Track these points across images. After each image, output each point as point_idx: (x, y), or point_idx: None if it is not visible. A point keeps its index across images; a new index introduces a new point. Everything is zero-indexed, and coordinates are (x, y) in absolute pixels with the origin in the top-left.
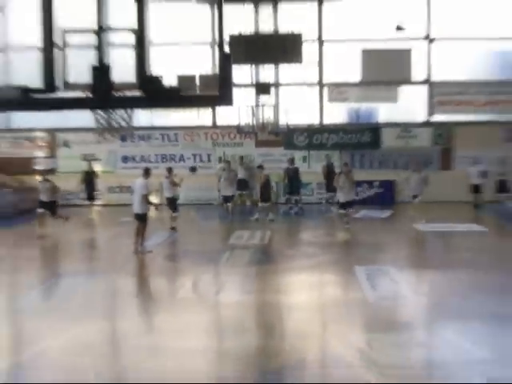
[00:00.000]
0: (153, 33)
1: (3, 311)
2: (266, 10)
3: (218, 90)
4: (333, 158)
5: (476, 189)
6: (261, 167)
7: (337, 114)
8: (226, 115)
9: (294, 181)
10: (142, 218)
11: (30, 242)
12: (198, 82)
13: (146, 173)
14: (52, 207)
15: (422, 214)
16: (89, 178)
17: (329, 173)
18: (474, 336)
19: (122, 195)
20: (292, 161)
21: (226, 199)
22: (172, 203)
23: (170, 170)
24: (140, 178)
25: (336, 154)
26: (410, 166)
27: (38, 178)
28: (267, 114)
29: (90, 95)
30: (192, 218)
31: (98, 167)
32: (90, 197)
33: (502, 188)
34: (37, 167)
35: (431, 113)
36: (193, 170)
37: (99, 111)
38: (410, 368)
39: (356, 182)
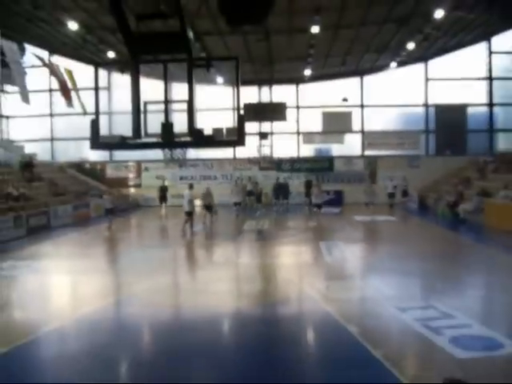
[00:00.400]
0: (198, 103)
1: (104, 270)
2: (265, 89)
3: (236, 137)
4: (308, 177)
5: (391, 195)
6: (257, 183)
7: (307, 150)
8: (242, 151)
9: (279, 191)
10: (189, 214)
11: (125, 227)
12: (224, 131)
13: (191, 187)
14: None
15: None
16: (161, 190)
17: (307, 186)
18: (388, 282)
19: (179, 200)
20: (278, 179)
21: (235, 204)
22: (208, 208)
23: (190, 185)
24: (187, 190)
25: (308, 174)
26: (352, 182)
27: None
28: (266, 151)
29: (161, 140)
30: (221, 213)
31: (166, 183)
32: (163, 201)
33: (404, 194)
34: (130, 183)
35: (364, 150)
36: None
37: (166, 149)
38: (350, 301)
39: (323, 191)
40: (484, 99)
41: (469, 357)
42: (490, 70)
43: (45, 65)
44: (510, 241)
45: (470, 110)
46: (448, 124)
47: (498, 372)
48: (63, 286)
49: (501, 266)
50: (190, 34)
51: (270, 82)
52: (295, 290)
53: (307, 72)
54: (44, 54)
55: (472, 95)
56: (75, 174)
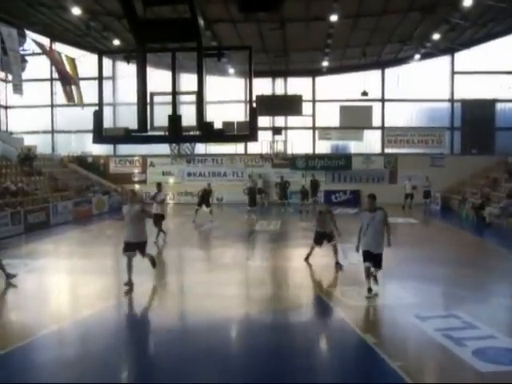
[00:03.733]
0: (208, 94)
1: (106, 270)
2: (279, 81)
3: (248, 131)
4: (319, 176)
5: (408, 196)
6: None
7: (324, 147)
8: (254, 147)
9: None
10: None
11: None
12: (235, 125)
13: (159, 186)
14: None
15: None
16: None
17: (313, 185)
18: (408, 289)
19: (186, 197)
20: (282, 178)
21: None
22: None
23: (159, 185)
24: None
25: (323, 173)
26: (370, 181)
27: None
28: (279, 147)
29: (168, 134)
30: (231, 212)
31: (171, 180)
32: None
33: (426, 195)
34: (134, 179)
35: (383, 147)
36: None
37: (173, 144)
38: (366, 308)
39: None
40: None
41: (493, 370)
42: None
43: (45, 52)
44: None
45: (499, 105)
46: (475, 121)
47: None
48: (62, 287)
49: None
50: (201, 22)
51: (285, 73)
52: (308, 296)
53: (325, 63)
54: (45, 41)
55: (502, 90)
56: (77, 168)
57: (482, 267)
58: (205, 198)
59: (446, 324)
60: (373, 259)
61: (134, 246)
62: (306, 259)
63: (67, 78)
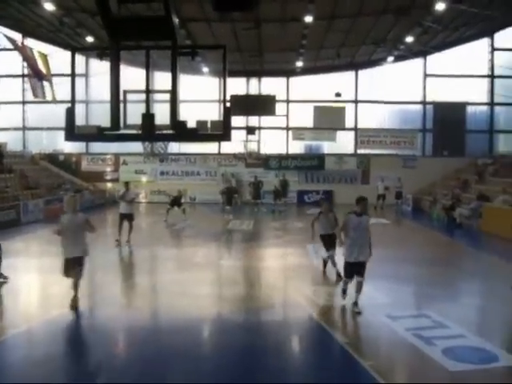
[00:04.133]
0: (182, 93)
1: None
2: (253, 81)
3: (222, 131)
4: (292, 176)
5: (382, 197)
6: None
7: (297, 147)
8: (227, 147)
9: (257, 190)
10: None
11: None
12: (209, 125)
13: (127, 185)
14: None
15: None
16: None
17: (283, 185)
18: (380, 288)
19: (159, 196)
20: (255, 177)
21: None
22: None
23: (126, 184)
24: (123, 188)
25: (296, 173)
26: (343, 181)
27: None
28: (253, 147)
29: (141, 132)
30: (204, 211)
31: (144, 179)
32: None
33: (398, 196)
34: (107, 177)
35: (356, 148)
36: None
37: (146, 142)
38: (338, 307)
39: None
40: (485, 98)
41: (462, 369)
42: (492, 68)
43: (16, 48)
44: (508, 247)
45: (469, 109)
46: (446, 123)
47: None
48: (32, 286)
49: (497, 273)
50: (175, 20)
51: (260, 73)
52: (280, 295)
53: (299, 64)
54: (17, 36)
55: (472, 94)
56: (48, 165)
57: (453, 267)
58: (177, 201)
59: (416, 323)
60: (357, 267)
61: (78, 261)
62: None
63: (39, 75)
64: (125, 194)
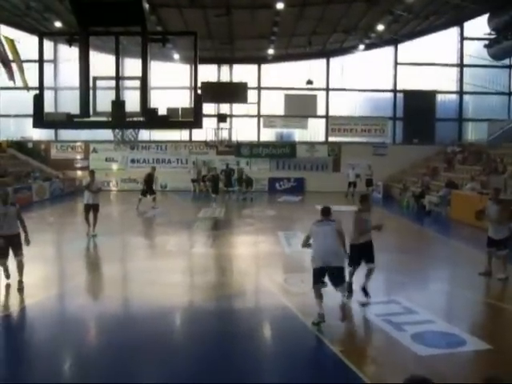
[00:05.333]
0: (152, 80)
1: (48, 259)
2: (225, 68)
3: (193, 118)
4: (263, 164)
5: (353, 184)
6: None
7: (268, 135)
8: (198, 134)
9: (228, 178)
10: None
11: (73, 212)
12: (180, 112)
13: (92, 173)
14: None
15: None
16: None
17: (227, 174)
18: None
19: (130, 184)
20: (227, 165)
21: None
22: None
23: (92, 172)
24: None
25: (267, 160)
26: (314, 169)
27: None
28: (224, 134)
29: (111, 120)
30: (175, 199)
31: (114, 166)
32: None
33: (368, 183)
34: (77, 165)
35: (327, 136)
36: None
37: (116, 130)
38: (308, 294)
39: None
40: (454, 87)
41: (431, 354)
42: (462, 57)
43: None
44: (475, 234)
45: (439, 97)
46: (416, 111)
47: (460, 369)
48: (1, 277)
49: (465, 260)
50: (146, 5)
51: (231, 60)
52: (252, 283)
53: (270, 51)
54: None
55: (442, 82)
56: (16, 153)
57: (422, 254)
58: (149, 183)
59: (386, 310)
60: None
61: (7, 242)
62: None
63: (6, 60)
64: (90, 183)
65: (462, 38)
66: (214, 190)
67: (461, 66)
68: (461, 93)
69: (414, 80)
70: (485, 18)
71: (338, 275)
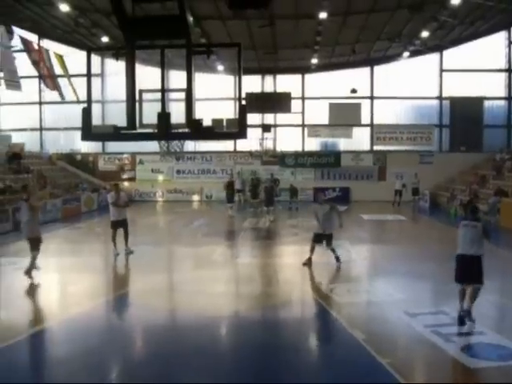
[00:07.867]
0: (197, 92)
1: (97, 268)
2: (268, 78)
3: (237, 129)
4: (309, 173)
5: (399, 193)
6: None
7: (313, 144)
8: (243, 144)
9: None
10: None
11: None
12: (225, 123)
13: (116, 187)
14: None
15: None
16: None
17: (255, 184)
18: (398, 285)
19: (176, 195)
20: (272, 175)
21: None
22: None
23: (116, 186)
24: (112, 192)
25: (312, 170)
26: (359, 178)
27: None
28: (269, 144)
29: (157, 131)
30: (220, 209)
31: (160, 177)
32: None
33: (414, 192)
34: (123, 176)
35: (372, 144)
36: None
37: (162, 141)
38: (356, 305)
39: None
40: (502, 92)
41: (481, 366)
42: (510, 62)
43: (31, 49)
44: None
45: (487, 103)
46: (463, 118)
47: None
48: (51, 285)
49: None
50: (190, 18)
51: (274, 71)
52: (298, 293)
53: (314, 61)
54: (33, 37)
55: (490, 88)
56: (65, 165)
57: None
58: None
59: (434, 320)
60: None
61: None
62: None
63: (49, 74)
64: (117, 198)
65: (510, 43)
66: (269, 203)
67: (509, 71)
68: (509, 99)
69: (460, 86)
70: None
71: None
